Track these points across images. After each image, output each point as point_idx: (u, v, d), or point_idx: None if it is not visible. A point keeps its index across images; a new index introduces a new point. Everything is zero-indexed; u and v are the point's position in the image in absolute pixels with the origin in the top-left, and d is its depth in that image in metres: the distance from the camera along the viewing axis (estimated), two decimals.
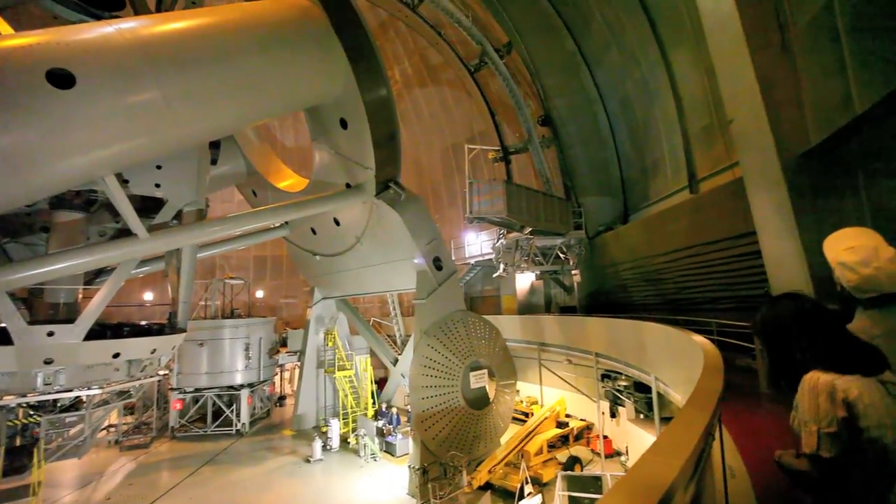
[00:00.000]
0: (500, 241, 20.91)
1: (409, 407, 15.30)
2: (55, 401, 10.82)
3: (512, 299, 24.76)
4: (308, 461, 16.25)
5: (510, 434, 14.75)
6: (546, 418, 15.03)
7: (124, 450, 18.43)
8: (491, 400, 14.58)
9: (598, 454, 14.22)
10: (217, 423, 20.33)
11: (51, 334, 9.63)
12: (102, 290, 10.22)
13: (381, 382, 22.65)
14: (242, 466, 16.16)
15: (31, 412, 11.11)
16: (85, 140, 7.90)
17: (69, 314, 11.24)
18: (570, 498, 8.89)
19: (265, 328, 22.30)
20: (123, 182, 11.01)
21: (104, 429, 19.69)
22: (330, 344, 20.50)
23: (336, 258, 18.12)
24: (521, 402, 18.80)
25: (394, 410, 19.17)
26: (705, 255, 13.41)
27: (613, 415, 14.96)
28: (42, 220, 12.32)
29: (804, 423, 1.77)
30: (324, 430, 18.53)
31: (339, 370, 19.73)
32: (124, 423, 20.28)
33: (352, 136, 13.07)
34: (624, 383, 13.68)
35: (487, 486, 12.54)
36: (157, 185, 11.62)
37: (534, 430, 14.32)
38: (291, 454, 17.24)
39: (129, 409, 21.58)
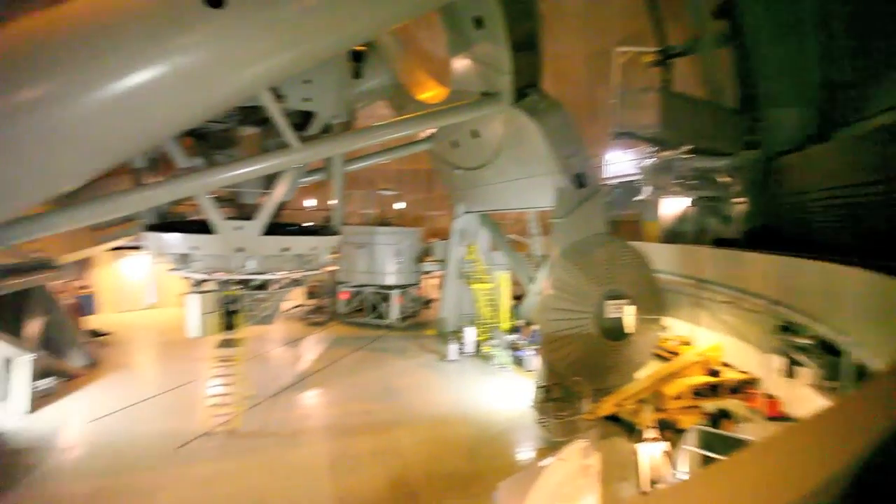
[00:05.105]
0: (649, 161, 17.87)
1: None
2: (249, 280, 13.63)
3: (655, 226, 21.55)
4: (444, 360, 17.98)
5: (652, 370, 13.83)
6: (694, 363, 13.56)
7: (308, 325, 23.65)
8: (630, 332, 13.51)
9: (758, 413, 12.23)
10: (374, 315, 23.87)
11: (239, 227, 11.93)
12: (272, 195, 12.06)
13: (519, 298, 22.90)
14: (388, 354, 19.06)
15: (238, 287, 14.27)
16: (240, 57, 8.63)
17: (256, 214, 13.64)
18: (704, 457, 7.53)
19: (412, 237, 24.45)
20: (280, 97, 12.12)
21: (297, 307, 25.72)
22: (470, 257, 21.21)
23: (476, 172, 17.93)
24: (671, 340, 17.05)
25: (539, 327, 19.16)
26: None
27: (790, 374, 12.42)
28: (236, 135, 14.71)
29: None
30: (460, 335, 19.91)
31: (477, 283, 20.51)
32: (308, 305, 25.78)
33: (487, 37, 12.29)
34: (806, 340, 11.02)
35: (613, 418, 12.08)
36: (307, 100, 12.54)
37: (676, 372, 13.14)
38: (431, 352, 19.28)
39: (314, 294, 26.73)
